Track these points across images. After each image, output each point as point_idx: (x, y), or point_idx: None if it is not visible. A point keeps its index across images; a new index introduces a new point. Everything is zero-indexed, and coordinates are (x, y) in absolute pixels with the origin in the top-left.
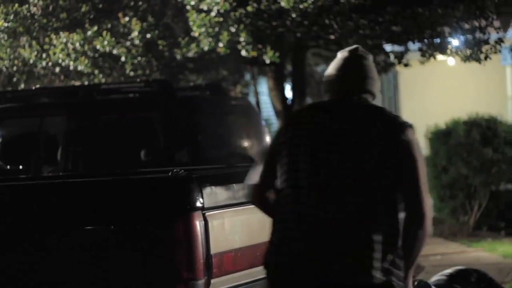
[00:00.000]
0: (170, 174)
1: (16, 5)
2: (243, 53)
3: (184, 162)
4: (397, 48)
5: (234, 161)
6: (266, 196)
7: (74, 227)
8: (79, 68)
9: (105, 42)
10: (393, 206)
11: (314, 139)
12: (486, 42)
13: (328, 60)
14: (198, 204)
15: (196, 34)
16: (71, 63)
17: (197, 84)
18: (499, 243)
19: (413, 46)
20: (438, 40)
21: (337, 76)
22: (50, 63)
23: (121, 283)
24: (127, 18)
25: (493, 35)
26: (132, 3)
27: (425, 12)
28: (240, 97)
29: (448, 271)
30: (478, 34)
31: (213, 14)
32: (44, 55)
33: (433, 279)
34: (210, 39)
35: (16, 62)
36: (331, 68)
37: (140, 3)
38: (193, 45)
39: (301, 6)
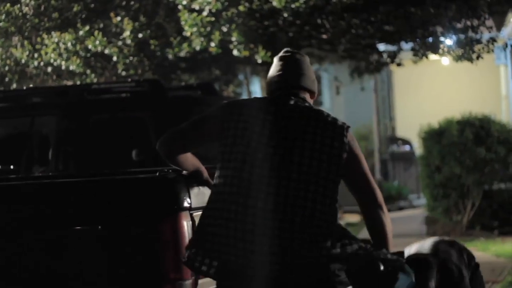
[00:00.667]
0: (157, 174)
1: (8, 5)
2: (235, 52)
3: None
4: (390, 47)
5: None
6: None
7: (61, 227)
8: (71, 67)
9: (97, 42)
10: (333, 201)
11: (259, 134)
12: (479, 41)
13: (321, 59)
14: (186, 204)
15: (188, 34)
16: (63, 62)
17: (189, 84)
18: (492, 242)
19: (406, 45)
20: (430, 40)
21: (275, 76)
22: (42, 63)
23: (108, 283)
24: (119, 18)
25: (486, 35)
26: (124, 3)
27: (417, 11)
28: (232, 96)
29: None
30: (470, 34)
31: (205, 13)
32: (36, 55)
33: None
34: (202, 39)
35: (8, 62)
36: (270, 71)
37: (132, 2)
38: (185, 45)
39: (293, 6)
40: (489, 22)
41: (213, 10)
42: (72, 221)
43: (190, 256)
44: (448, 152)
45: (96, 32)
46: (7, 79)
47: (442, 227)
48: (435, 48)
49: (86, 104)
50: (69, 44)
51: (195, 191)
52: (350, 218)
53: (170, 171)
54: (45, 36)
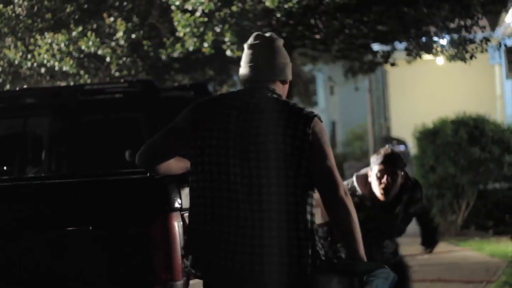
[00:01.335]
0: (148, 174)
1: (1, 5)
2: (228, 53)
3: None
4: (384, 47)
5: None
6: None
7: (52, 228)
8: (65, 68)
9: (90, 43)
10: (299, 199)
11: (225, 132)
12: (472, 41)
13: (315, 60)
14: (177, 204)
15: (181, 34)
16: (56, 63)
17: (182, 84)
18: (486, 242)
19: (400, 45)
20: (424, 40)
21: (244, 68)
22: (35, 64)
23: (99, 284)
24: (112, 19)
25: (480, 34)
26: (117, 4)
27: (410, 11)
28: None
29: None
30: (463, 33)
31: (198, 14)
32: (29, 56)
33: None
34: (195, 39)
35: (1, 63)
36: (242, 61)
37: (125, 3)
38: (178, 45)
39: (286, 6)
40: (483, 22)
41: (206, 11)
42: (63, 222)
43: (188, 264)
44: (443, 152)
45: (89, 33)
46: (0, 80)
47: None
48: (428, 48)
49: (79, 105)
50: (62, 45)
51: (186, 191)
52: None
53: None
54: (38, 37)
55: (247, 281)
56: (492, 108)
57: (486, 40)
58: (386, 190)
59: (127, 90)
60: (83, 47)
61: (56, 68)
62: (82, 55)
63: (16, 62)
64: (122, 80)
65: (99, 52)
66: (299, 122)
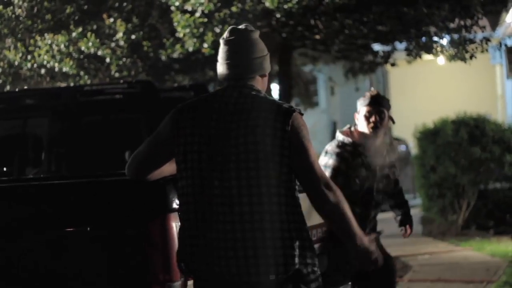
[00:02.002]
0: None
1: (1, 7)
2: None
3: None
4: (384, 47)
5: None
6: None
7: (51, 229)
8: (64, 69)
9: (90, 43)
10: (288, 194)
11: (206, 136)
12: (472, 41)
13: (315, 60)
14: (175, 205)
15: (181, 35)
16: (56, 64)
17: (181, 85)
18: (487, 242)
19: (400, 45)
20: (423, 40)
21: (221, 66)
22: (35, 65)
23: (96, 285)
24: (112, 19)
25: (481, 34)
26: (116, 4)
27: (410, 11)
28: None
29: None
30: (463, 33)
31: (197, 14)
32: (29, 57)
33: None
34: (195, 40)
35: (1, 64)
36: (218, 57)
37: (125, 4)
38: (178, 46)
39: (285, 7)
40: (483, 22)
41: (206, 11)
42: (61, 223)
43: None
44: (443, 152)
45: (89, 34)
46: (0, 81)
47: (438, 227)
48: (428, 48)
49: (79, 106)
50: (62, 46)
51: None
52: None
53: None
54: (38, 38)
55: (236, 285)
56: (493, 108)
57: (487, 40)
58: (375, 128)
59: (126, 91)
60: (83, 48)
61: (56, 69)
62: (82, 56)
63: (16, 63)
64: (121, 81)
65: (99, 53)
66: (278, 119)
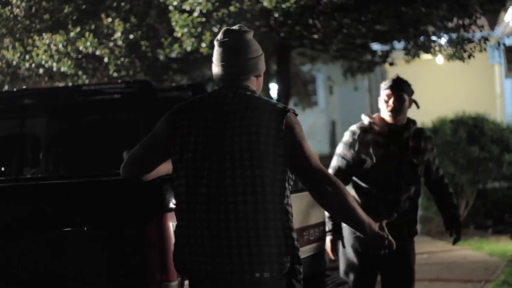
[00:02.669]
0: None
1: None
2: None
3: None
4: (383, 47)
5: None
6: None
7: (48, 228)
8: (63, 69)
9: (88, 43)
10: (284, 191)
11: (202, 137)
12: (470, 40)
13: (314, 59)
14: (171, 205)
15: (179, 35)
16: (54, 64)
17: (179, 85)
18: (486, 241)
19: (399, 45)
20: (422, 39)
21: (215, 67)
22: (33, 65)
23: (93, 285)
24: (110, 19)
25: (479, 34)
26: (114, 4)
27: (408, 11)
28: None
29: None
30: (462, 33)
31: (195, 14)
32: (27, 57)
33: None
34: (193, 39)
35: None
36: (213, 58)
37: (123, 3)
38: (176, 46)
39: (283, 6)
40: (481, 21)
41: (204, 11)
42: (58, 223)
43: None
44: (442, 151)
45: (87, 34)
46: None
47: (436, 226)
48: (427, 47)
49: (77, 106)
50: (60, 46)
51: None
52: None
53: None
54: (36, 37)
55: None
56: (492, 107)
57: (485, 39)
58: (393, 111)
59: (124, 90)
60: (81, 48)
61: (54, 69)
62: (80, 56)
63: (14, 63)
64: (119, 81)
65: (97, 52)
66: (273, 119)
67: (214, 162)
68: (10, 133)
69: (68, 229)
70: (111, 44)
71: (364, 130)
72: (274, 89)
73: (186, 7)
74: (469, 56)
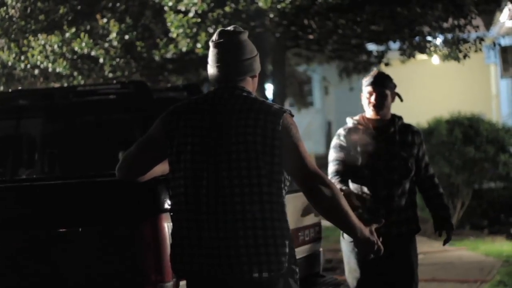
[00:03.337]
0: None
1: None
2: None
3: None
4: (378, 47)
5: None
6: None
7: (41, 229)
8: (58, 70)
9: (83, 44)
10: (279, 193)
11: (199, 137)
12: (465, 40)
13: (309, 60)
14: (167, 206)
15: (174, 35)
16: (50, 65)
17: (175, 85)
18: (481, 241)
19: (394, 45)
20: (417, 39)
21: (211, 68)
22: (29, 65)
23: (89, 285)
24: (105, 20)
25: (475, 34)
26: (110, 5)
27: (404, 11)
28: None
29: None
30: (457, 33)
31: (191, 15)
32: (22, 57)
33: None
34: (188, 40)
35: None
36: (208, 59)
37: (118, 4)
38: (172, 46)
39: (278, 6)
40: (476, 22)
41: (199, 11)
42: (52, 223)
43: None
44: (437, 152)
45: (82, 34)
46: None
47: (432, 227)
48: (422, 47)
49: (72, 106)
50: (55, 46)
51: None
52: None
53: None
54: (31, 38)
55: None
56: (488, 108)
57: (480, 39)
58: (375, 107)
59: (120, 91)
60: (76, 49)
61: (50, 70)
62: (75, 57)
63: (10, 63)
64: (115, 82)
65: (93, 53)
66: (269, 119)
67: (211, 163)
68: (5, 134)
69: (63, 229)
70: (106, 44)
71: (349, 130)
72: (269, 89)
73: (182, 7)
74: (464, 57)
